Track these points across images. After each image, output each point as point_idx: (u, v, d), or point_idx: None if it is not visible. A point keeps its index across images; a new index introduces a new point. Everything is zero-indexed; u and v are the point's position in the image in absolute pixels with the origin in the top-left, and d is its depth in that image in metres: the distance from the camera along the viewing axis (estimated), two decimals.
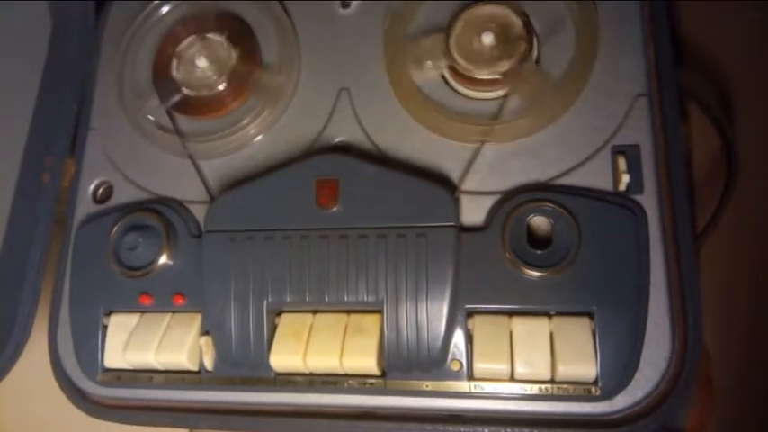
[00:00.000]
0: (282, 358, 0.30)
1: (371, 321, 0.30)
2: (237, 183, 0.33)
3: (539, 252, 0.29)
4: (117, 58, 0.38)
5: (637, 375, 0.28)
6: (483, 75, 0.31)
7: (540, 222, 0.30)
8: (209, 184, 0.34)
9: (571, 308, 0.29)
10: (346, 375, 0.30)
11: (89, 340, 0.33)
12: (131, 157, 0.36)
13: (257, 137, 0.35)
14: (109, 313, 0.33)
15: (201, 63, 0.35)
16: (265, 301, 0.30)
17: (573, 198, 0.29)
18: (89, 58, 0.39)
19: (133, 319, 0.33)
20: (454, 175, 0.32)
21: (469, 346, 0.29)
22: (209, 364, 0.31)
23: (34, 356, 0.36)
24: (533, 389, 0.28)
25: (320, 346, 0.29)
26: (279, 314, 0.31)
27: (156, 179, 0.35)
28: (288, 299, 0.30)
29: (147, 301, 0.33)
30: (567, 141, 0.31)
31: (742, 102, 0.41)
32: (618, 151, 0.30)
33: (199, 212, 0.34)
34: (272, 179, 0.32)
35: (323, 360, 0.29)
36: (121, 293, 0.33)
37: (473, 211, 0.31)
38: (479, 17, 0.32)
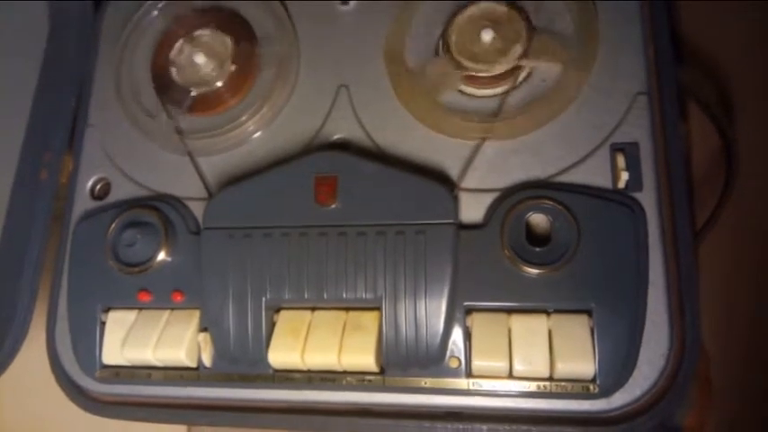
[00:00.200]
0: (281, 355, 0.30)
1: (370, 319, 0.30)
2: (236, 179, 0.33)
3: (537, 249, 0.29)
4: (115, 55, 0.38)
5: (635, 373, 0.28)
6: (483, 72, 0.31)
7: (538, 220, 0.30)
8: (207, 181, 0.34)
9: (570, 305, 0.29)
10: (345, 372, 0.30)
11: (87, 337, 0.33)
12: (129, 154, 0.36)
13: (256, 133, 0.35)
14: (107, 310, 0.33)
15: (200, 60, 0.35)
16: (264, 298, 0.30)
17: (572, 195, 0.29)
18: (87, 55, 0.39)
19: (131, 315, 0.33)
20: (453, 172, 0.32)
21: (468, 343, 0.29)
22: (207, 360, 0.31)
23: (32, 353, 0.36)
24: (531, 386, 0.28)
25: (318, 344, 0.29)
26: (277, 311, 0.31)
27: (155, 176, 0.35)
28: (286, 296, 0.30)
29: (145, 298, 0.33)
30: (566, 139, 0.31)
31: (742, 101, 0.41)
32: (617, 149, 0.30)
33: (197, 209, 0.33)
34: (270, 176, 0.32)
35: (321, 357, 0.29)
36: (120, 290, 0.33)
37: (472, 209, 0.31)
38: (478, 15, 0.32)
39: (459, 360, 0.29)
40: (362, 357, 0.29)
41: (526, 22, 0.32)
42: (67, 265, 0.35)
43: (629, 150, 0.30)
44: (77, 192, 0.36)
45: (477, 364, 0.29)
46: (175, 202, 0.34)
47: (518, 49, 0.31)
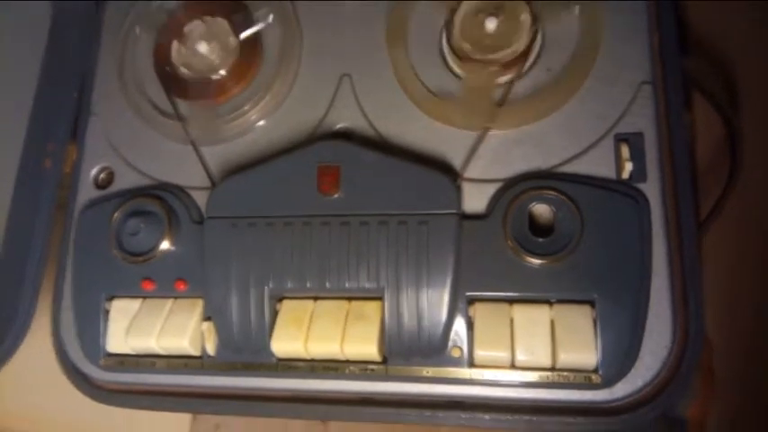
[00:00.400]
0: (284, 344, 0.30)
1: (372, 308, 0.30)
2: (239, 169, 0.33)
3: (540, 240, 0.29)
4: (118, 45, 0.37)
5: (637, 364, 0.28)
6: (486, 60, 0.31)
7: (542, 210, 0.30)
8: (210, 170, 0.34)
9: (572, 296, 0.29)
10: (347, 361, 0.30)
11: (92, 325, 0.33)
12: (133, 143, 0.36)
13: (259, 123, 0.34)
14: (111, 298, 0.33)
15: (203, 48, 0.35)
16: (267, 288, 0.30)
17: (575, 186, 0.29)
18: (90, 44, 0.39)
19: (135, 304, 0.33)
20: (456, 162, 0.31)
21: (470, 333, 0.29)
22: (211, 349, 0.32)
23: (37, 342, 0.36)
24: (534, 376, 0.28)
25: (321, 333, 0.30)
26: (280, 300, 0.31)
27: (158, 165, 0.35)
28: (289, 285, 0.30)
29: (149, 287, 0.33)
30: (570, 129, 0.31)
31: (747, 91, 0.40)
32: (621, 139, 0.30)
33: (200, 198, 0.33)
34: (273, 165, 0.32)
35: (324, 346, 0.29)
36: (123, 279, 0.33)
37: (475, 199, 0.31)
38: (482, 2, 0.32)
39: (462, 350, 0.29)
40: (365, 347, 0.29)
41: (530, 10, 0.31)
42: (71, 254, 0.35)
43: (634, 141, 0.30)
44: (81, 181, 0.36)
45: (480, 353, 0.29)
46: (178, 191, 0.34)
47: (523, 38, 0.31)
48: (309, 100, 0.34)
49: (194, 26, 0.35)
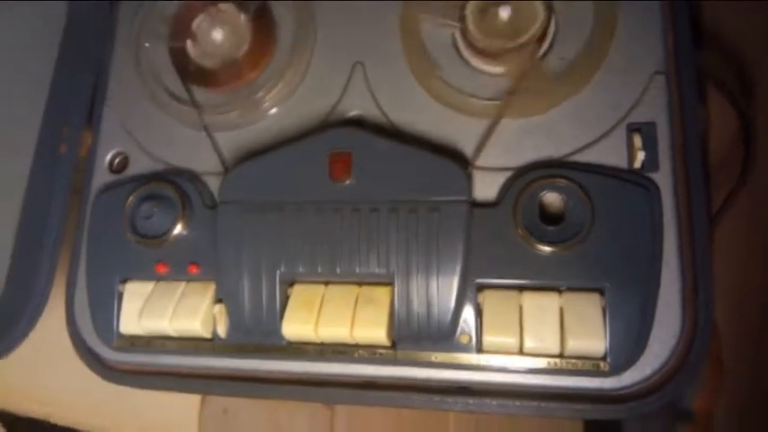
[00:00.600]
0: (294, 327, 0.30)
1: (382, 293, 0.30)
2: (252, 155, 0.33)
3: (551, 228, 0.29)
4: (134, 30, 0.38)
5: (646, 352, 0.28)
6: (499, 49, 0.31)
7: (552, 198, 0.30)
8: (223, 156, 0.35)
9: (582, 284, 0.29)
10: (356, 345, 0.30)
11: (105, 307, 0.34)
12: (147, 129, 0.36)
13: (272, 109, 0.35)
14: (125, 281, 0.34)
15: (218, 36, 0.35)
16: (278, 272, 0.31)
17: (587, 175, 0.29)
18: (106, 29, 0.39)
19: (148, 287, 0.33)
20: (468, 150, 0.32)
21: (479, 319, 0.29)
22: (222, 331, 0.32)
23: (52, 322, 0.37)
24: (542, 363, 0.29)
25: (331, 317, 0.30)
26: (291, 284, 0.31)
27: (172, 150, 0.35)
28: (300, 269, 0.30)
29: (162, 270, 0.33)
30: (582, 118, 0.31)
31: (762, 85, 0.40)
32: (633, 129, 0.30)
33: (213, 184, 0.34)
34: (285, 152, 0.32)
35: (334, 330, 0.30)
36: (137, 262, 0.34)
37: (486, 187, 0.31)
38: None
39: (470, 336, 0.29)
40: (374, 331, 0.29)
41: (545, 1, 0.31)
42: (86, 238, 0.35)
43: (646, 130, 0.30)
44: (96, 166, 0.37)
45: (488, 339, 0.29)
46: (192, 176, 0.34)
47: (537, 25, 0.31)
48: (322, 88, 0.34)
49: (209, 13, 0.35)
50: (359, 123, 0.33)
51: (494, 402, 0.30)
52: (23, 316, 0.37)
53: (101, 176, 0.36)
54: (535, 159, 0.31)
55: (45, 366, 0.46)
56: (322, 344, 0.31)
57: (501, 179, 0.31)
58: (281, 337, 0.31)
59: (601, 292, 0.29)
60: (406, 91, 0.33)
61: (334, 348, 0.31)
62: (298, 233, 0.31)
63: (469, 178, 0.30)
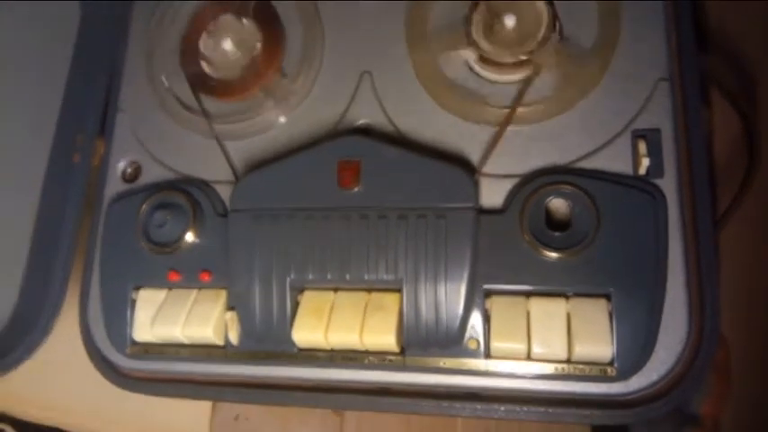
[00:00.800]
0: (304, 334, 0.31)
1: (391, 300, 0.30)
2: (262, 163, 0.34)
3: (557, 234, 0.29)
4: (145, 41, 0.38)
5: (652, 357, 0.28)
6: (506, 58, 0.31)
7: (558, 205, 0.30)
8: (234, 165, 0.35)
9: (588, 289, 0.29)
10: (366, 352, 0.31)
11: (118, 315, 0.34)
12: (159, 138, 0.37)
13: (281, 119, 0.35)
14: (138, 288, 0.34)
15: (228, 46, 0.35)
16: (288, 279, 0.31)
17: (592, 181, 0.30)
18: (118, 41, 0.40)
19: (161, 294, 0.34)
20: (474, 157, 0.32)
21: (487, 325, 0.30)
22: (233, 338, 0.32)
23: (65, 331, 0.37)
24: (549, 368, 0.29)
25: (341, 323, 0.30)
26: (301, 291, 0.32)
27: (183, 159, 0.36)
28: (310, 276, 0.31)
29: (174, 278, 0.34)
30: (587, 125, 0.31)
31: (765, 88, 0.40)
32: (638, 135, 0.30)
33: (224, 192, 0.34)
34: (295, 160, 0.33)
35: (344, 336, 0.30)
36: (150, 269, 0.34)
37: (493, 194, 0.31)
38: (501, 2, 0.32)
39: (478, 341, 0.30)
40: (383, 337, 0.30)
41: (548, 6, 0.32)
42: (100, 246, 0.36)
43: (651, 137, 0.30)
44: (109, 175, 0.37)
45: (496, 345, 0.29)
46: (203, 184, 0.35)
47: (541, 33, 0.31)
48: (330, 97, 0.35)
49: (220, 24, 0.36)
50: (367, 132, 0.34)
51: (502, 408, 0.30)
52: (38, 324, 0.37)
53: (113, 185, 0.37)
54: (541, 166, 0.31)
55: (58, 374, 0.47)
56: (332, 350, 0.31)
57: (507, 186, 0.31)
58: (292, 344, 0.31)
59: (607, 297, 0.29)
60: (413, 99, 0.34)
61: (344, 355, 0.31)
62: (307, 241, 0.31)
63: (476, 185, 0.31)
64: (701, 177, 0.30)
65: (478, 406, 0.30)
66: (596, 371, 0.29)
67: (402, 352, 0.31)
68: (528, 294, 0.30)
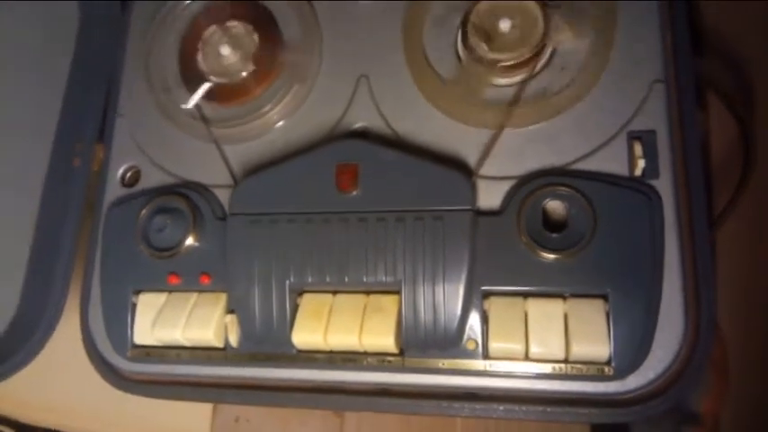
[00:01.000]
0: (304, 336, 0.31)
1: (390, 301, 0.31)
2: (260, 167, 0.34)
3: (554, 235, 0.30)
4: (144, 47, 0.39)
5: (649, 356, 0.28)
6: (502, 61, 0.32)
7: (555, 206, 0.30)
8: (233, 169, 0.35)
9: (585, 290, 0.29)
10: (365, 353, 0.31)
11: (119, 318, 0.35)
12: (158, 143, 0.37)
13: (279, 123, 0.36)
14: (138, 292, 0.35)
15: (225, 51, 0.36)
16: (287, 282, 0.31)
17: (589, 182, 0.30)
18: (117, 46, 0.40)
19: (161, 298, 0.34)
20: (471, 160, 0.32)
21: (485, 326, 0.30)
22: (233, 341, 0.33)
23: (66, 335, 0.37)
24: (547, 368, 0.29)
25: (340, 325, 0.30)
26: (301, 294, 0.32)
27: (182, 164, 0.36)
28: (309, 279, 0.31)
29: (174, 281, 0.34)
30: (583, 127, 0.31)
31: (761, 90, 0.41)
32: (634, 137, 0.31)
33: (223, 196, 0.35)
34: (293, 164, 0.33)
35: (343, 338, 0.30)
36: (150, 273, 0.34)
37: (490, 196, 0.31)
38: (496, 3, 0.32)
39: (477, 342, 0.30)
40: (382, 339, 0.30)
41: (543, 9, 0.32)
42: (100, 250, 0.36)
43: (647, 138, 0.30)
44: (108, 179, 0.37)
45: (494, 345, 0.29)
46: (202, 189, 0.35)
47: (537, 37, 0.31)
48: (328, 101, 0.35)
49: (217, 30, 0.36)
50: (364, 135, 0.34)
51: (500, 407, 0.30)
52: (39, 328, 0.37)
53: (113, 190, 0.37)
54: (538, 168, 0.31)
55: (58, 376, 0.47)
56: (331, 352, 0.31)
57: (504, 188, 0.31)
58: (292, 346, 0.32)
59: (604, 297, 0.29)
60: (410, 103, 0.34)
61: (344, 356, 0.31)
62: (306, 244, 0.31)
63: (473, 187, 0.31)
64: (696, 178, 0.30)
65: (477, 406, 0.31)
66: (594, 370, 0.29)
67: (401, 353, 0.31)
68: (525, 295, 0.30)
